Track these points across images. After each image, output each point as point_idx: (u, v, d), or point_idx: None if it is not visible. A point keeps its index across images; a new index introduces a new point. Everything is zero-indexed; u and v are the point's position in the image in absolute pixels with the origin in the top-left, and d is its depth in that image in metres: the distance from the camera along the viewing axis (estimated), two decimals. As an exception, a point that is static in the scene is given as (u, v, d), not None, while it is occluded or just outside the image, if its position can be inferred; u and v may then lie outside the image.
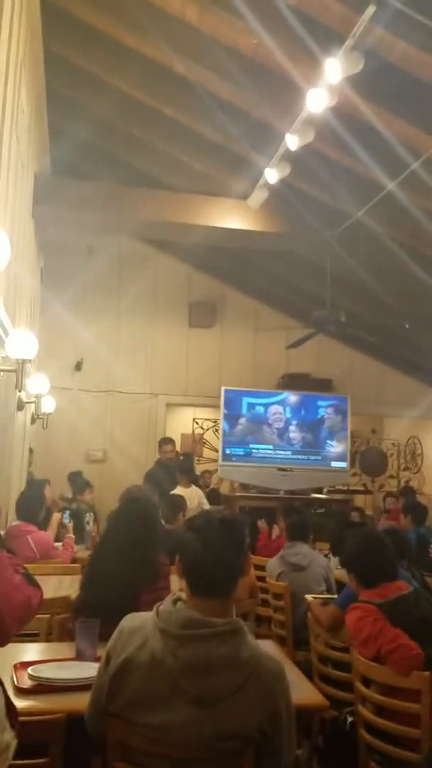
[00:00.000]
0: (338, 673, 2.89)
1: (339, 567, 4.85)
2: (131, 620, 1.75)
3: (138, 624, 1.71)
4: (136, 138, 5.92)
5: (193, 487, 7.22)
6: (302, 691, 2.10)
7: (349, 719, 2.65)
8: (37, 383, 5.24)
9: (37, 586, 1.43)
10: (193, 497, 6.81)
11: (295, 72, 4.10)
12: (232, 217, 6.18)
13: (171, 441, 7.03)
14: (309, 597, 3.58)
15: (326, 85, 3.85)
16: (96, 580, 2.69)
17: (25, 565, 4.44)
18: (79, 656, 2.29)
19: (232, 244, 6.82)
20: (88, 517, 6.69)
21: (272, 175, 5.05)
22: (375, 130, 4.40)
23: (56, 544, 5.13)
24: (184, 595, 1.70)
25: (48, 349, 7.80)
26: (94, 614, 2.52)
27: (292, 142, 4.42)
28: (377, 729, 2.37)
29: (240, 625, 1.67)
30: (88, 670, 2.16)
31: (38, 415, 5.91)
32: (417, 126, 4.26)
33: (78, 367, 8.17)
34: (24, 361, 3.47)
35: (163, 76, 5.02)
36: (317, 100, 3.98)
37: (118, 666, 1.67)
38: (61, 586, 3.64)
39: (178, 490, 6.71)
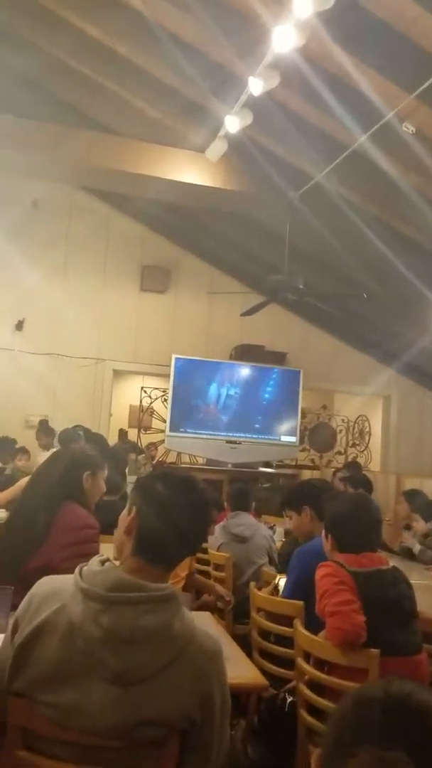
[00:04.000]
0: (280, 649, 2.69)
1: (283, 539, 4.68)
2: (46, 584, 1.51)
3: (55, 587, 1.47)
4: (88, 78, 5.50)
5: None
6: (240, 670, 1.89)
7: (289, 699, 2.46)
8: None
9: None
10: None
11: (261, 6, 3.78)
12: (188, 170, 5.83)
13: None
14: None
15: (294, 21, 3.55)
16: (10, 525, 2.50)
17: None
18: (-12, 626, 2.01)
19: (189, 201, 6.48)
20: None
21: (233, 123, 4.73)
22: (345, 81, 4.15)
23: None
24: (114, 559, 1.49)
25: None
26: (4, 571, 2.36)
27: (256, 86, 4.12)
28: (319, 710, 2.17)
29: (174, 594, 1.44)
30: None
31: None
32: (390, 79, 4.01)
33: (19, 326, 7.71)
34: None
35: (117, 9, 4.62)
36: (284, 39, 3.69)
37: (27, 635, 1.42)
38: None
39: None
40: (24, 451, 6.63)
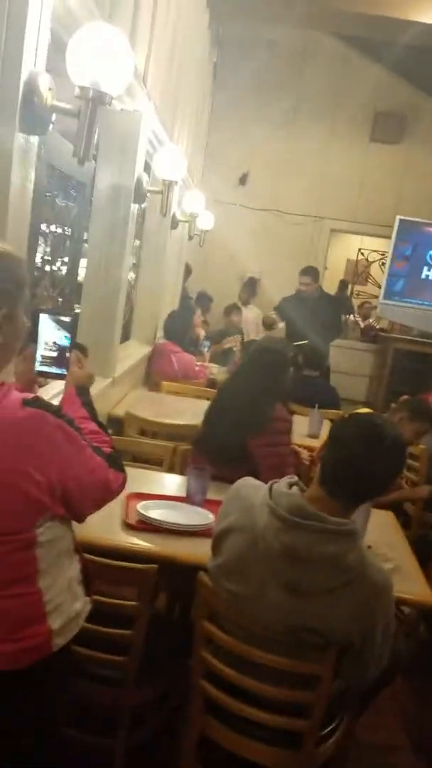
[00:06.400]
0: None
1: None
2: (245, 487, 1.71)
3: (251, 493, 1.66)
4: None
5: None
6: (410, 584, 1.97)
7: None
8: (193, 200, 4.97)
9: (121, 469, 1.35)
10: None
11: None
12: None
13: (311, 271, 6.05)
14: None
15: None
16: (212, 421, 2.72)
17: (165, 382, 4.55)
18: (189, 500, 2.31)
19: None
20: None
21: None
22: None
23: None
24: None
25: (214, 156, 7.40)
26: (207, 452, 2.61)
27: None
28: None
29: (354, 529, 1.54)
30: (194, 516, 2.18)
31: (194, 233, 5.72)
32: None
33: (243, 180, 7.67)
34: (171, 183, 3.20)
35: None
36: None
37: (221, 528, 1.67)
38: (194, 409, 3.61)
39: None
40: (236, 307, 6.93)
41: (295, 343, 5.26)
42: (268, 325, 5.66)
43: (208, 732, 1.70)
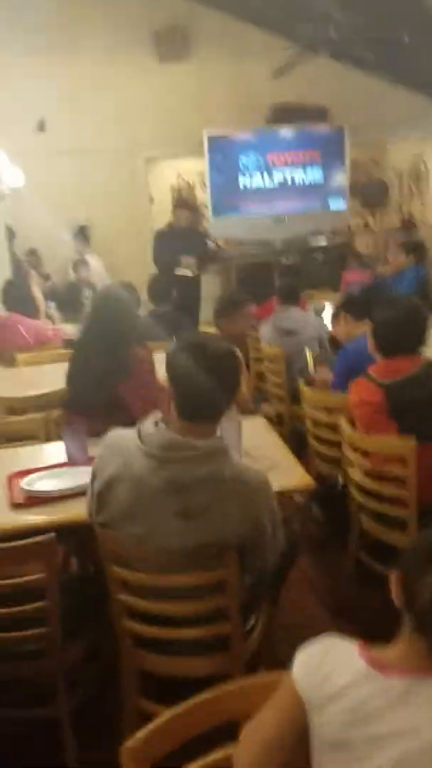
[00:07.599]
0: (330, 437, 2.97)
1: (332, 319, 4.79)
2: (115, 438, 1.75)
3: (121, 443, 1.71)
4: None
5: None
6: (288, 474, 2.14)
7: (341, 479, 2.79)
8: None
9: None
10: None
11: None
12: None
13: (188, 203, 6.38)
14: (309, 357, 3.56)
15: None
16: (76, 379, 2.74)
17: (20, 354, 4.39)
18: (71, 461, 2.33)
19: None
20: (87, 292, 6.60)
21: None
22: None
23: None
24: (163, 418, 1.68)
25: (4, 110, 6.95)
26: (81, 409, 2.59)
27: None
28: (367, 490, 2.48)
29: (221, 446, 1.66)
30: (80, 476, 2.20)
31: (4, 192, 5.42)
32: None
33: (41, 126, 7.28)
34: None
35: None
36: None
37: (102, 484, 1.72)
38: (56, 375, 3.55)
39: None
40: (82, 262, 6.78)
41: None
42: None
43: (143, 665, 1.81)
